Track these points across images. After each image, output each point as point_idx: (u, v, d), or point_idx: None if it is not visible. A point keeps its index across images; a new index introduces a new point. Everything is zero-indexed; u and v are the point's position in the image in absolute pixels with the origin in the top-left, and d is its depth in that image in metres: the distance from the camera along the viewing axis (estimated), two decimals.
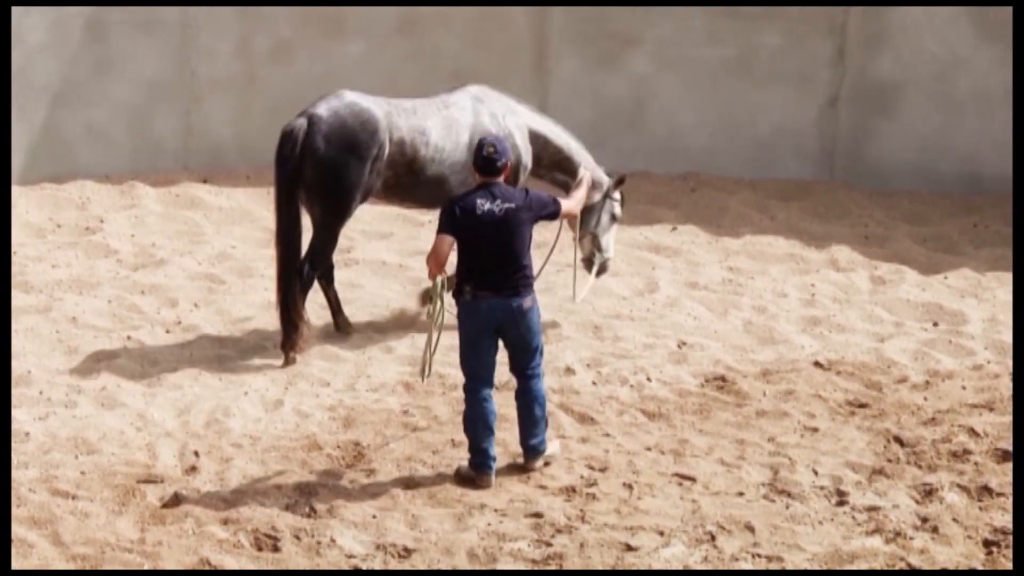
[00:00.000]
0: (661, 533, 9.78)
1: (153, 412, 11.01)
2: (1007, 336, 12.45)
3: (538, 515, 9.87)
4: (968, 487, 10.28)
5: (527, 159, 12.30)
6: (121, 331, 12.19)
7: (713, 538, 9.74)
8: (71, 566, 9.24)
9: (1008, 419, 11.12)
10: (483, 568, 9.40)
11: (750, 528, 9.83)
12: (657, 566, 9.48)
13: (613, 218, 12.63)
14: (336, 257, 13.75)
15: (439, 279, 10.14)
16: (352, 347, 12.08)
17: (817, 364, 11.98)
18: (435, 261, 10.00)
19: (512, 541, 9.61)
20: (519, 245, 9.97)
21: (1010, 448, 10.67)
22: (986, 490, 10.27)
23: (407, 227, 14.29)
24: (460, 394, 11.40)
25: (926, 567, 9.50)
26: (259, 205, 14.58)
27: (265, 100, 15.16)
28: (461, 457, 10.44)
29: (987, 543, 9.77)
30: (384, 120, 11.86)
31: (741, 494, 10.23)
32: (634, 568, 9.43)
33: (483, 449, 10.18)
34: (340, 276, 13.42)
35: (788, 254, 13.93)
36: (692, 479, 10.38)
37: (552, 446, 10.46)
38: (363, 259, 13.66)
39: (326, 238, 12.01)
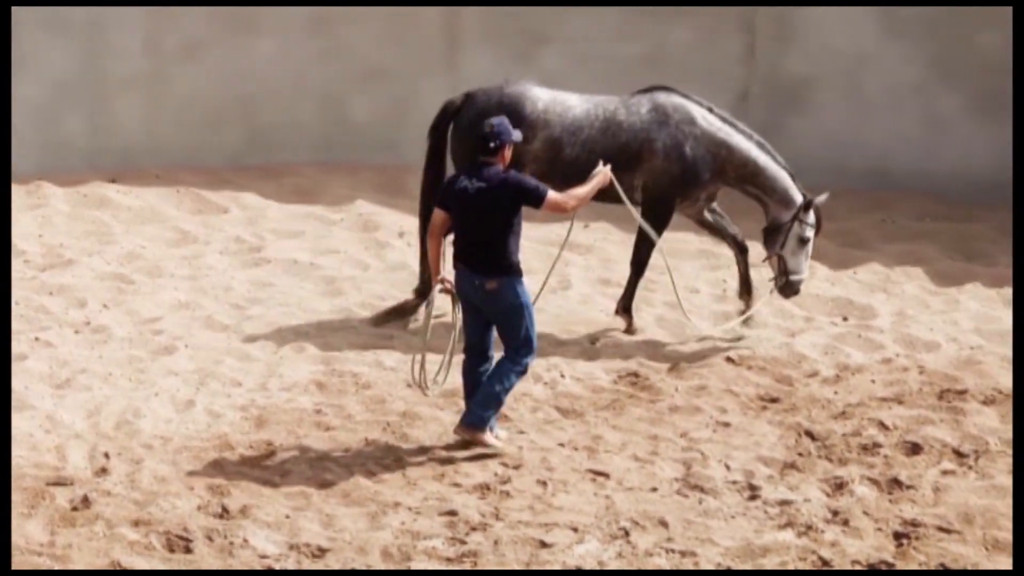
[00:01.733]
0: (575, 530, 9.79)
1: (62, 414, 10.90)
2: (915, 330, 12.58)
3: (452, 513, 9.85)
4: (878, 480, 10.36)
5: (702, 168, 12.25)
6: (29, 332, 12.06)
7: (627, 534, 9.76)
8: None
9: (917, 412, 11.23)
10: (397, 568, 9.37)
11: (664, 523, 9.86)
12: (571, 563, 9.49)
13: (802, 241, 12.27)
14: (247, 256, 13.70)
15: (431, 298, 10.51)
16: (263, 346, 12.02)
17: (729, 359, 12.04)
18: (429, 231, 10.46)
19: (426, 539, 9.59)
20: (486, 226, 10.26)
21: (919, 441, 10.77)
22: (896, 483, 10.35)
23: (318, 226, 14.25)
24: (373, 392, 11.40)
25: (837, 560, 9.57)
26: (169, 204, 14.48)
27: (174, 99, 15.06)
28: (375, 456, 10.43)
29: (897, 535, 9.84)
30: (534, 113, 12.12)
31: (654, 489, 10.26)
32: (548, 567, 9.44)
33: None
34: (250, 275, 13.36)
35: (700, 250, 14.00)
36: (606, 475, 10.40)
37: (491, 437, 10.54)
38: (274, 258, 13.60)
39: None
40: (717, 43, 15.03)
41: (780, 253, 12.30)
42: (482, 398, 10.45)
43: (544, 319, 12.64)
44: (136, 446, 10.54)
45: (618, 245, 13.99)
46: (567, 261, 13.64)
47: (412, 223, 14.56)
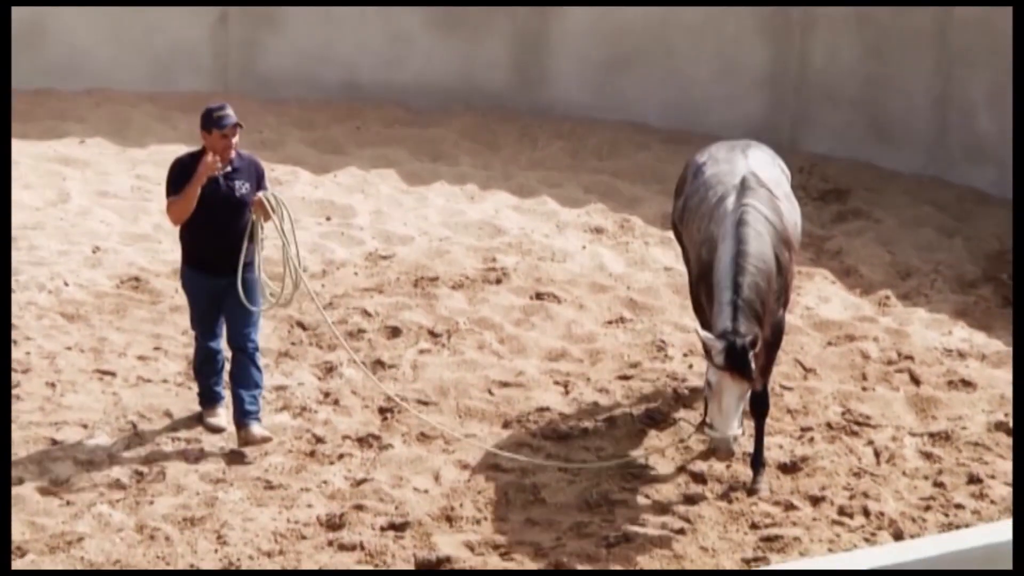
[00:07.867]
0: (85, 426, 10.16)
1: None
2: (391, 226, 13.10)
3: None
4: (364, 362, 10.96)
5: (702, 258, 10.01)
6: None
7: (135, 427, 10.21)
8: None
9: (396, 299, 11.89)
10: None
11: (168, 415, 10.35)
12: (82, 457, 9.86)
13: (708, 385, 9.53)
14: None
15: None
16: None
17: None
18: None
19: None
20: None
21: (399, 325, 11.53)
22: (379, 363, 11.06)
23: None
24: None
25: (329, 436, 10.23)
26: None
27: None
28: None
29: (382, 410, 10.60)
30: (691, 166, 10.47)
31: (165, 381, 10.70)
32: (60, 462, 9.71)
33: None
34: None
35: None
36: (112, 374, 10.74)
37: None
38: None
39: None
40: None
41: (704, 395, 9.90)
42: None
43: (44, 233, 12.62)
44: None
45: (113, 159, 13.97)
46: (64, 176, 13.58)
47: None
